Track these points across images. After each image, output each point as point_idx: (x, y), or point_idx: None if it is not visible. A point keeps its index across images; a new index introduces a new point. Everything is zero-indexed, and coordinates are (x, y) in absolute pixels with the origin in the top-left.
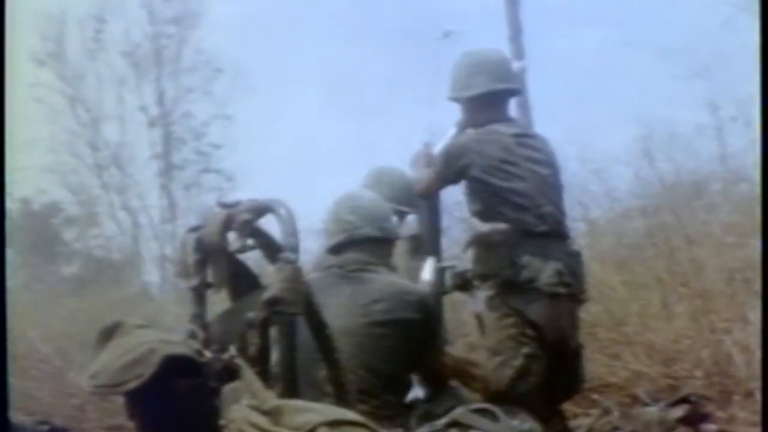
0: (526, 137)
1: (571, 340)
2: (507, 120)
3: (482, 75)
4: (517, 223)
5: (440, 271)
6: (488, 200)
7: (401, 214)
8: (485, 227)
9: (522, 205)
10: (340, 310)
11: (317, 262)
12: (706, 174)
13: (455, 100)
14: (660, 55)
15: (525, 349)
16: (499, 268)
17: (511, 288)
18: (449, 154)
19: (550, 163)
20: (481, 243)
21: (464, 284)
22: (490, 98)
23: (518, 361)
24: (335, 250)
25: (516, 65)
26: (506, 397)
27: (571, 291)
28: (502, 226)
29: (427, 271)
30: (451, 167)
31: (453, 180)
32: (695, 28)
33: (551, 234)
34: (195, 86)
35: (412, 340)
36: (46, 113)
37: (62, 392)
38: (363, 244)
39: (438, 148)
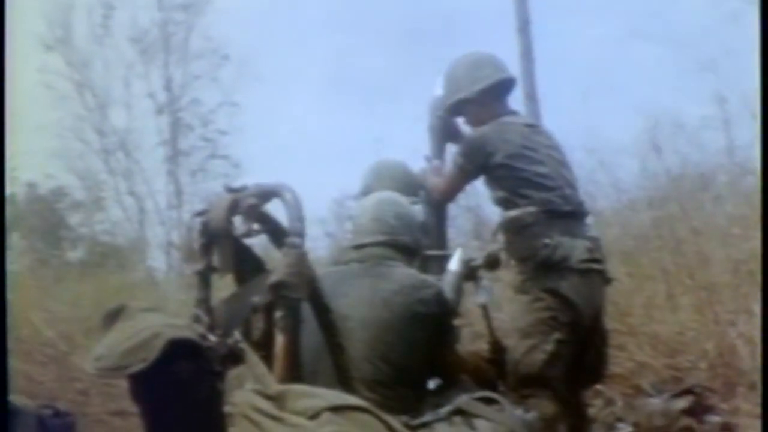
0: (535, 126)
1: (602, 319)
2: (513, 112)
3: (487, 67)
4: (544, 205)
5: (467, 263)
6: (513, 185)
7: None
8: (514, 211)
9: (547, 187)
10: (361, 301)
11: (336, 254)
12: (713, 166)
13: (461, 102)
14: (667, 48)
15: (557, 335)
16: (534, 249)
17: (546, 268)
18: (472, 147)
19: (560, 150)
20: (512, 226)
21: (470, 273)
22: (496, 90)
23: (549, 346)
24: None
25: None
26: (535, 381)
27: (601, 267)
28: (531, 208)
29: (455, 262)
30: (475, 159)
31: (477, 172)
32: (703, 20)
33: (576, 214)
34: (202, 73)
35: (428, 333)
36: (54, 98)
37: (66, 377)
38: (379, 243)
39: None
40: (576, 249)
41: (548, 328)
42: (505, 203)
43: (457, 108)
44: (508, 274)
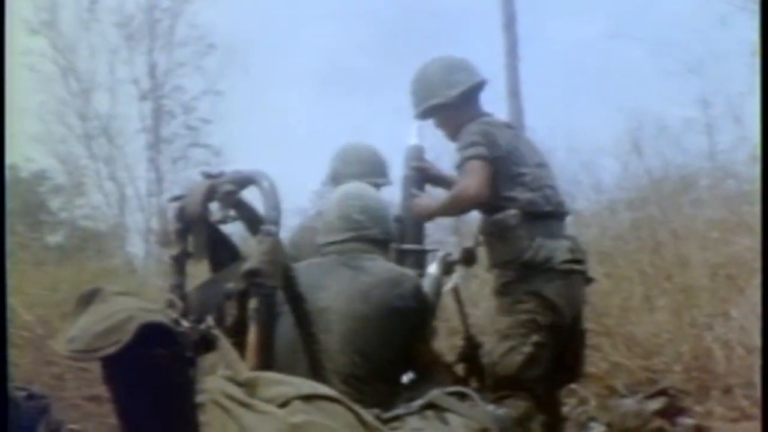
0: (513, 127)
1: (582, 319)
2: (488, 114)
3: (462, 71)
4: (528, 206)
5: (443, 259)
6: (501, 186)
7: (375, 186)
8: (498, 215)
9: (531, 187)
10: (339, 294)
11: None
12: (694, 170)
13: (436, 108)
14: (652, 50)
15: (535, 337)
16: (518, 252)
17: (529, 270)
18: (479, 135)
19: (538, 150)
20: (495, 229)
21: (446, 268)
22: (471, 95)
23: (528, 348)
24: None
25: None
26: (512, 383)
27: (583, 268)
28: (513, 211)
29: (434, 266)
30: (491, 142)
31: (494, 160)
32: (689, 23)
33: (557, 214)
34: (187, 61)
35: (406, 327)
36: (38, 81)
37: (42, 360)
38: (359, 238)
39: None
40: (558, 250)
41: (527, 330)
42: (489, 207)
43: (431, 113)
44: (488, 277)
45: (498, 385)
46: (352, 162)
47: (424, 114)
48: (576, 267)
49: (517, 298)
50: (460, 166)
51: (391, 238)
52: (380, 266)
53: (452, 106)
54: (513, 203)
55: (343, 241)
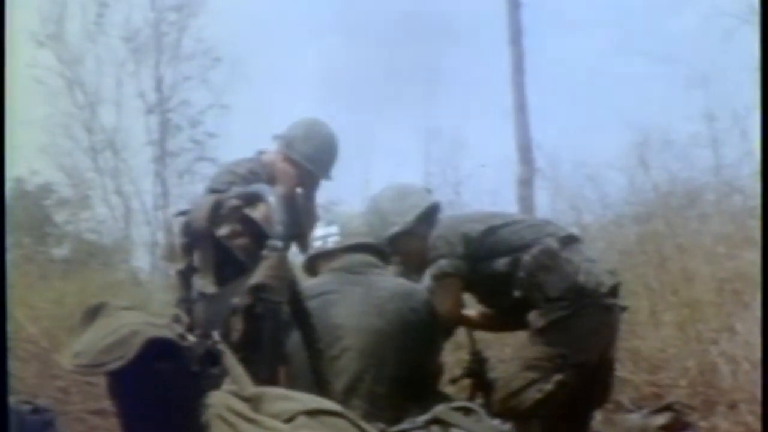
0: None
1: (612, 353)
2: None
3: (412, 195)
4: (554, 232)
5: None
6: (505, 240)
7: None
8: (534, 248)
9: (538, 224)
10: (353, 310)
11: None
12: (700, 184)
13: (395, 236)
14: (658, 64)
15: (559, 376)
16: (572, 275)
17: (582, 299)
18: (443, 239)
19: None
20: (543, 259)
21: None
22: (429, 216)
23: (549, 386)
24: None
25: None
26: (521, 415)
27: (621, 303)
28: (548, 238)
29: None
30: (456, 248)
31: (469, 262)
32: (695, 37)
33: (576, 238)
34: (193, 74)
35: (419, 341)
36: (44, 94)
37: (47, 374)
38: (367, 248)
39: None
40: (602, 274)
41: (554, 366)
42: (511, 265)
43: (392, 242)
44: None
45: (506, 413)
46: (311, 142)
47: (388, 245)
48: (618, 303)
49: (555, 330)
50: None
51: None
52: (390, 281)
53: (410, 232)
54: (532, 246)
55: (353, 250)
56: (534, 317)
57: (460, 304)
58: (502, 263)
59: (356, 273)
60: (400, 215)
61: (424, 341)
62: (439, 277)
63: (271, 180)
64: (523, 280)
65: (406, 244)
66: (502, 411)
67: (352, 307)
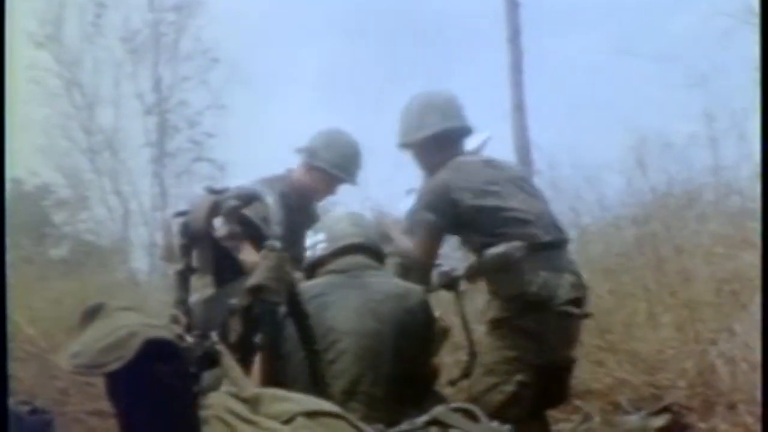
0: (495, 162)
1: (571, 356)
2: (463, 154)
3: (434, 114)
4: (526, 238)
5: (448, 273)
6: (489, 225)
7: (341, 181)
8: (500, 247)
9: (523, 220)
10: (348, 313)
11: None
12: (699, 185)
13: (407, 146)
14: (657, 64)
15: (519, 376)
16: (525, 286)
17: (531, 306)
18: (435, 198)
19: (528, 180)
20: (499, 264)
21: (451, 283)
22: (444, 138)
23: (510, 387)
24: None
25: (477, 140)
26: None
27: (581, 312)
28: (516, 243)
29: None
30: (444, 211)
31: (450, 223)
32: (693, 38)
33: (557, 243)
34: (191, 75)
35: (417, 342)
36: (42, 95)
37: (46, 374)
38: (358, 249)
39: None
40: (561, 287)
41: (512, 368)
42: (482, 247)
43: (407, 149)
44: (489, 310)
45: None
46: (333, 149)
47: (406, 148)
48: (575, 311)
49: (509, 333)
50: (410, 224)
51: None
52: (385, 281)
53: (421, 146)
54: (506, 239)
55: (343, 253)
56: (485, 307)
57: (435, 251)
58: (475, 238)
59: (351, 275)
60: (415, 129)
61: (421, 342)
62: (418, 225)
63: (303, 197)
64: (483, 270)
65: (417, 154)
66: None
67: (348, 309)
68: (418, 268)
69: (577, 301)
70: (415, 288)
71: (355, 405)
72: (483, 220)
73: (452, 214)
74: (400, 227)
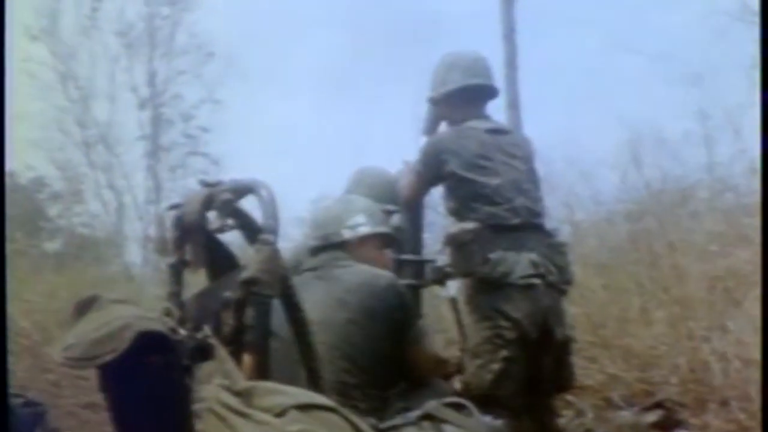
0: (501, 132)
1: (557, 332)
2: (483, 117)
3: (457, 71)
4: (489, 219)
5: (440, 269)
6: (464, 197)
7: (388, 213)
8: (454, 228)
9: (494, 200)
10: (316, 306)
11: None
12: (693, 182)
13: (433, 100)
14: (652, 61)
15: (503, 352)
16: (473, 266)
17: (486, 285)
18: (426, 153)
19: (527, 159)
20: (452, 243)
21: (442, 278)
22: (466, 94)
23: (497, 365)
24: (312, 253)
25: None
26: (486, 400)
27: (548, 281)
28: (470, 224)
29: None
30: (430, 166)
31: (433, 179)
32: (688, 35)
33: (525, 226)
34: (186, 69)
35: (389, 328)
36: (37, 88)
37: (39, 367)
38: (335, 245)
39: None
40: (518, 264)
41: (494, 347)
42: (456, 214)
43: (433, 104)
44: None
45: (473, 402)
46: (362, 184)
47: (429, 102)
48: (536, 281)
49: (481, 314)
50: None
51: (353, 236)
52: (352, 271)
53: (443, 102)
54: (475, 214)
55: (316, 251)
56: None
57: (418, 195)
58: (450, 204)
59: (320, 271)
60: (439, 84)
61: (392, 324)
62: (410, 169)
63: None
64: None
65: (439, 109)
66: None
67: (316, 303)
68: (404, 203)
69: (538, 276)
70: (383, 273)
71: (332, 396)
72: (460, 191)
73: (436, 173)
74: (408, 169)
